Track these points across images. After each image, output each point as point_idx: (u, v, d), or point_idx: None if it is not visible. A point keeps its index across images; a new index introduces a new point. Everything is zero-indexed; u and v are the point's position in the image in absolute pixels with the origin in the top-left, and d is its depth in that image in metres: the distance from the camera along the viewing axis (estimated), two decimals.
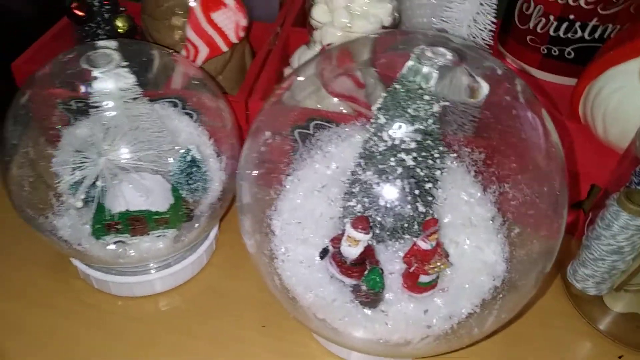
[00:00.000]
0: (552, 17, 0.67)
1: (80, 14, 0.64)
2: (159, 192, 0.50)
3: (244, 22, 0.59)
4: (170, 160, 0.51)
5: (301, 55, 0.63)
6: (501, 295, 0.46)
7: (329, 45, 0.58)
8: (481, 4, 0.56)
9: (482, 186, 0.50)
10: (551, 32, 0.68)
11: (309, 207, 0.50)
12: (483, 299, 0.46)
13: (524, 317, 0.56)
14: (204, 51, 0.59)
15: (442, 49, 0.41)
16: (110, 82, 0.46)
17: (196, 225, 0.54)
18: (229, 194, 0.56)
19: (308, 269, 0.47)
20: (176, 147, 0.51)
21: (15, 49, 0.63)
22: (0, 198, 0.53)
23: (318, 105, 0.54)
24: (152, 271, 0.54)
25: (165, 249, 0.52)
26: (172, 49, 0.59)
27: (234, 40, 0.60)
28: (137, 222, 0.50)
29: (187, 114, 0.56)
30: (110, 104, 0.47)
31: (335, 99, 0.54)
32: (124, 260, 0.52)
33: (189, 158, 0.51)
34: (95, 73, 0.47)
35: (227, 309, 0.55)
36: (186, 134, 0.55)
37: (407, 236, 0.47)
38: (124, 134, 0.48)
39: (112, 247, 0.51)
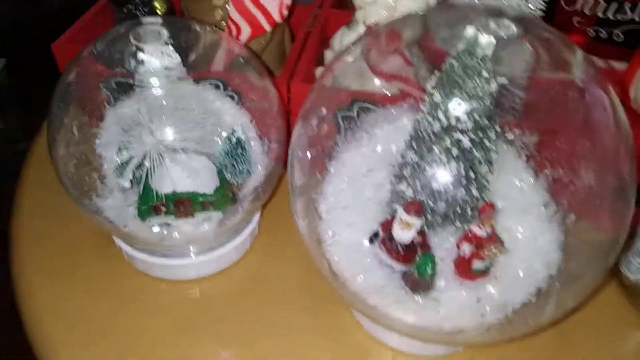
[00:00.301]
0: None
1: None
2: (206, 174, 0.49)
3: (288, 0, 0.57)
4: (216, 140, 0.50)
5: (343, 36, 0.61)
6: (557, 285, 0.44)
7: (374, 24, 0.57)
8: None
9: (534, 171, 0.49)
10: (599, 14, 0.66)
11: (355, 191, 0.49)
12: (538, 288, 0.44)
13: None
14: (246, 31, 0.57)
15: (505, 20, 0.39)
16: (157, 59, 0.45)
17: (240, 208, 0.52)
18: (274, 178, 0.55)
19: (356, 254, 0.46)
20: (220, 129, 0.50)
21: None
22: (47, 178, 0.52)
23: (363, 87, 0.52)
24: (196, 255, 0.53)
25: (210, 231, 0.51)
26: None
27: (277, 19, 0.58)
28: (182, 204, 0.49)
29: (229, 96, 0.55)
30: (156, 82, 0.47)
31: (381, 80, 0.52)
32: (168, 242, 0.51)
33: (234, 140, 0.50)
34: (142, 52, 0.46)
35: (270, 292, 0.54)
36: (229, 117, 0.54)
37: (459, 222, 0.45)
38: (169, 114, 0.47)
39: (156, 229, 0.50)
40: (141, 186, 0.48)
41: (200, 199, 0.49)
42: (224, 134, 0.50)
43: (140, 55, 0.46)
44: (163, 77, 0.47)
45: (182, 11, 0.64)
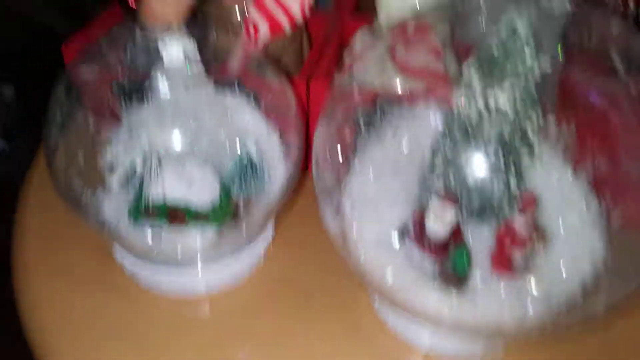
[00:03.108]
0: None
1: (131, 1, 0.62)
2: (203, 186, 0.45)
3: None
4: (226, 153, 0.47)
5: (362, 37, 0.59)
6: (605, 281, 0.41)
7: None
8: None
9: (572, 165, 0.46)
10: None
11: (381, 186, 0.47)
12: (583, 283, 0.42)
13: None
14: (264, 30, 0.54)
15: None
16: (174, 53, 0.43)
17: (243, 230, 0.49)
18: (286, 194, 0.51)
19: (384, 249, 0.43)
20: (232, 141, 0.47)
21: None
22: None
23: (386, 84, 0.51)
24: (203, 267, 0.50)
25: (202, 249, 0.47)
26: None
27: (298, 17, 0.56)
28: (175, 216, 0.45)
29: (246, 98, 0.51)
30: (170, 80, 0.44)
31: (406, 76, 0.50)
32: (157, 252, 0.47)
33: (244, 154, 0.47)
34: (158, 44, 0.43)
35: (288, 303, 0.50)
36: (244, 126, 0.50)
37: (495, 215, 0.43)
38: (178, 118, 0.44)
39: (148, 234, 0.46)
40: (134, 192, 0.45)
41: (195, 213, 0.45)
42: (236, 147, 0.47)
43: (158, 47, 0.43)
44: (178, 75, 0.44)
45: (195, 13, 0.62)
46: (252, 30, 0.55)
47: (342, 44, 0.67)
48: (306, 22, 0.61)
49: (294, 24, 0.57)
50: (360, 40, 0.60)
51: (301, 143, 0.52)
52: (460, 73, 0.53)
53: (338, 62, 0.64)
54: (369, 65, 0.50)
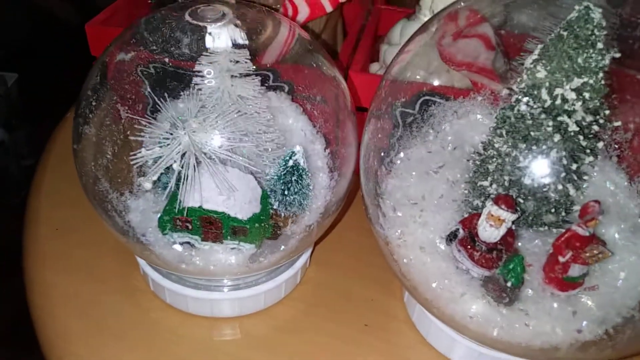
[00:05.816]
0: None
1: None
2: (244, 196, 0.41)
3: None
4: (269, 158, 0.42)
5: (403, 29, 0.56)
6: None
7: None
8: None
9: (627, 174, 0.43)
10: None
11: (425, 188, 0.43)
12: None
13: None
14: (304, 12, 0.52)
15: None
16: (221, 40, 0.39)
17: (282, 247, 0.45)
18: (333, 213, 0.47)
19: (430, 256, 0.40)
20: (278, 146, 0.43)
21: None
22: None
23: (432, 78, 0.47)
24: (232, 289, 0.46)
25: (236, 266, 0.43)
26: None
27: None
28: (210, 225, 0.41)
29: (283, 89, 0.47)
30: (215, 73, 0.39)
31: (454, 70, 0.47)
32: (186, 266, 0.43)
33: (290, 163, 0.42)
34: (205, 33, 0.40)
35: (326, 307, 0.48)
36: (295, 129, 0.46)
37: (549, 223, 0.40)
38: (221, 114, 0.39)
39: (177, 247, 0.43)
40: (167, 192, 0.40)
41: (232, 223, 0.41)
42: (282, 155, 0.43)
43: (205, 36, 0.40)
44: (224, 67, 0.39)
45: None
46: (290, 12, 0.52)
47: (377, 34, 0.64)
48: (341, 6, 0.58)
49: (336, 5, 0.53)
50: (399, 32, 0.57)
51: (353, 152, 0.47)
52: (506, 65, 0.50)
53: (372, 54, 0.61)
54: (411, 56, 0.47)
